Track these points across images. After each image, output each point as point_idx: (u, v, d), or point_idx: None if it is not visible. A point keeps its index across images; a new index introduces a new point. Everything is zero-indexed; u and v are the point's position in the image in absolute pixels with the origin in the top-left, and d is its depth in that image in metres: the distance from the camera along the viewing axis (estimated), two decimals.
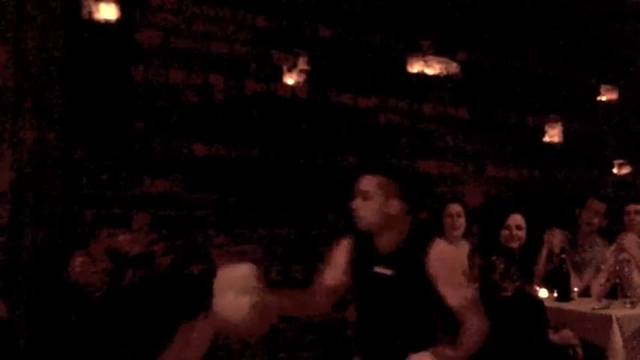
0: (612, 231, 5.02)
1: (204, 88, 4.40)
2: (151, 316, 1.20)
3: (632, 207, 4.90)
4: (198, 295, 1.27)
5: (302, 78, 4.77)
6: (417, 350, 2.68)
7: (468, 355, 2.72)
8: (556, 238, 4.70)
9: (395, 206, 2.73)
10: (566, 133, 6.05)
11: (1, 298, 3.07)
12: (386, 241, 2.78)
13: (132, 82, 4.14)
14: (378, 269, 2.76)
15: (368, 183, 2.74)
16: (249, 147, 4.53)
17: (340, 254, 2.91)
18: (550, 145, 6.02)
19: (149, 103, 4.20)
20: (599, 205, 4.98)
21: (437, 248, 2.74)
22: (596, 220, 4.96)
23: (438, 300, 2.72)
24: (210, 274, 1.28)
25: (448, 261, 2.76)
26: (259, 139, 4.58)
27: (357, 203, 2.74)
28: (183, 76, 4.32)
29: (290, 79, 4.73)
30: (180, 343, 1.23)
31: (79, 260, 1.19)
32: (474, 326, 2.71)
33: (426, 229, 4.97)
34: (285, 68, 4.72)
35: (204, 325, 1.27)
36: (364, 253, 2.84)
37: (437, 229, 4.96)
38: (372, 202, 2.72)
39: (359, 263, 2.86)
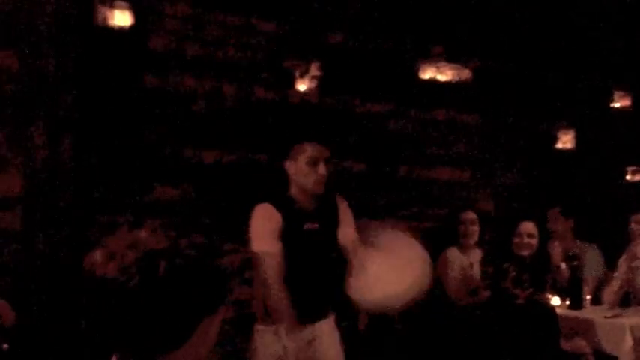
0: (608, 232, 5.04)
1: (216, 94, 4.41)
2: (182, 304, 1.24)
3: (634, 217, 4.86)
4: (222, 287, 1.32)
5: (314, 84, 4.77)
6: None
7: None
8: (555, 250, 4.67)
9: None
10: (578, 140, 6.01)
11: (12, 304, 3.08)
12: (314, 201, 3.16)
13: (144, 89, 4.16)
14: (307, 226, 3.10)
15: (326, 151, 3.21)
16: (260, 154, 4.53)
17: (269, 223, 3.09)
18: (562, 151, 5.99)
19: (161, 110, 4.21)
20: (554, 213, 5.04)
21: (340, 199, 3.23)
22: (558, 227, 5.00)
23: None
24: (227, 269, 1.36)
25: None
26: (270, 145, 4.58)
27: (326, 171, 3.16)
28: (196, 83, 4.33)
29: (302, 86, 4.73)
30: (200, 335, 1.26)
31: (98, 255, 1.23)
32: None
33: (440, 236, 4.97)
34: (296, 75, 4.72)
35: (219, 321, 1.31)
36: (292, 214, 3.11)
37: (451, 236, 4.96)
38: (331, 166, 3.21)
39: (289, 225, 3.08)
